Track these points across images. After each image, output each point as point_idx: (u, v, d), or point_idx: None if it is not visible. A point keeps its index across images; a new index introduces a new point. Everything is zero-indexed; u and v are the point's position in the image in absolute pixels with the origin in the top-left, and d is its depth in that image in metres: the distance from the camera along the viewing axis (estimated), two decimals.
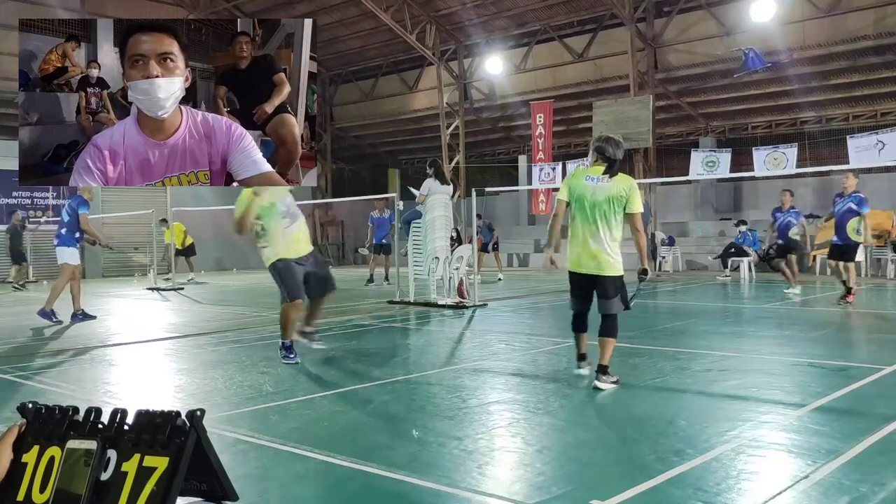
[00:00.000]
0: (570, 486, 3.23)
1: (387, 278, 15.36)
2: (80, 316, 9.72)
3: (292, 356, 6.28)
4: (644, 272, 5.18)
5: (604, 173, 5.04)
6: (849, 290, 9.99)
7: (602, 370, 5.09)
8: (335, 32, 22.72)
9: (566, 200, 5.17)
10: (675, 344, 7.15)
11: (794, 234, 11.98)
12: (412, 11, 21.05)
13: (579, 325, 5.40)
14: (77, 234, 9.58)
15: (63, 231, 9.55)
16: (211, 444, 1.69)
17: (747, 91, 19.39)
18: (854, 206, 9.99)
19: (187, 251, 17.64)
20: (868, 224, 10.06)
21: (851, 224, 10.02)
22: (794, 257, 12.39)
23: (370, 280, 15.40)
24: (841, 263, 10.24)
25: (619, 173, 5.08)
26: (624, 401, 4.97)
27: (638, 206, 5.04)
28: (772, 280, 15.37)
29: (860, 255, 16.10)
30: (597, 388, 5.04)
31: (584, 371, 5.39)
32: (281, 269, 6.21)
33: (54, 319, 9.50)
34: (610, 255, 5.05)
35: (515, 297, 12.63)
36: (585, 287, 5.19)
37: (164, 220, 17.09)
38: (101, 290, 15.58)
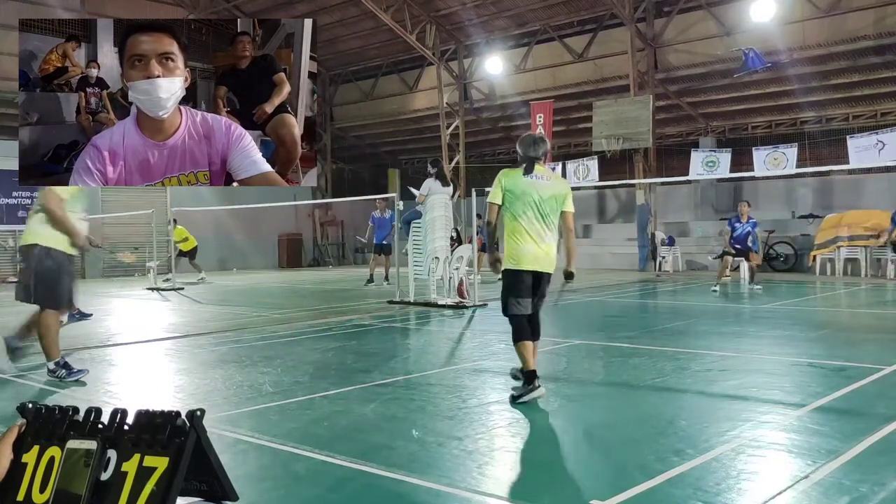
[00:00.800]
0: (570, 486, 3.23)
1: (387, 278, 15.30)
2: (77, 315, 9.72)
3: (76, 369, 5.65)
4: (570, 275, 4.98)
5: (526, 173, 4.93)
6: None
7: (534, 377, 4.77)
8: (335, 32, 22.70)
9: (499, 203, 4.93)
10: (675, 344, 7.15)
11: (750, 242, 12.92)
12: (412, 11, 21.05)
13: (527, 332, 4.89)
14: None
15: None
16: (211, 444, 1.69)
17: (747, 91, 19.38)
18: None
19: (190, 253, 17.65)
20: None
21: None
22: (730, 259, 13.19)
23: (370, 280, 15.32)
24: None
25: (555, 174, 5.11)
26: (624, 401, 4.98)
27: (572, 206, 5.01)
28: (772, 280, 15.37)
29: (860, 255, 16.16)
30: (517, 401, 4.67)
31: (542, 391, 4.74)
32: (62, 265, 5.49)
33: (85, 315, 9.71)
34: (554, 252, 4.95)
35: None
36: (531, 286, 4.88)
37: (175, 221, 17.23)
38: (101, 290, 15.58)
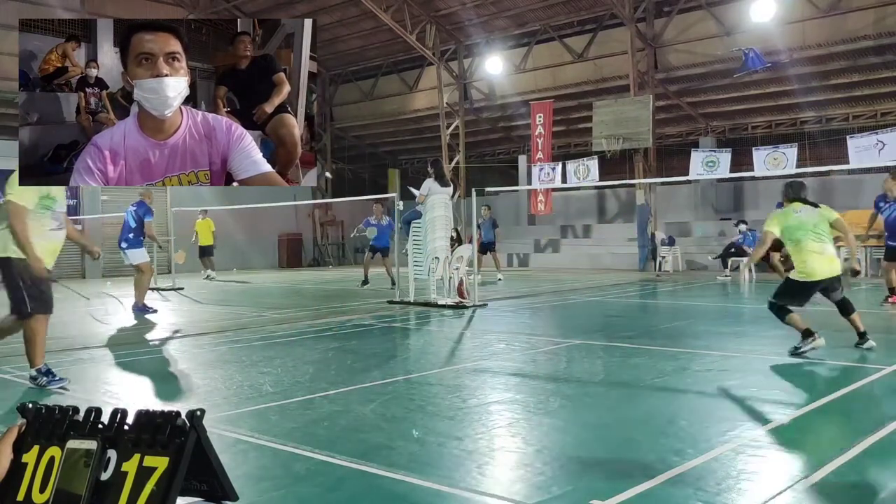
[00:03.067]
0: (570, 486, 3.23)
1: (393, 283, 13.91)
2: (142, 308, 10.61)
3: (58, 377, 5.49)
4: (856, 272, 6.96)
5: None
6: (892, 291, 10.15)
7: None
8: (335, 32, 22.71)
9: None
10: (675, 344, 7.15)
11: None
12: (412, 11, 21.05)
13: (786, 310, 6.36)
14: (142, 237, 10.98)
15: (130, 235, 10.94)
16: (211, 444, 1.69)
17: (747, 91, 19.38)
18: None
19: (207, 250, 17.77)
20: None
21: None
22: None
23: (364, 281, 14.63)
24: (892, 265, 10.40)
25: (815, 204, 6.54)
26: (624, 401, 4.97)
27: (835, 213, 6.44)
28: (772, 280, 15.36)
29: (860, 255, 16.15)
30: (798, 351, 6.18)
31: (822, 341, 6.18)
32: (39, 274, 5.27)
33: (150, 309, 10.60)
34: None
35: (515, 297, 12.63)
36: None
37: (205, 211, 17.48)
38: (101, 289, 15.57)
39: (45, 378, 5.44)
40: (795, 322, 6.20)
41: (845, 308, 6.42)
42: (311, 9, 20.90)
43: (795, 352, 6.15)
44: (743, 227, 16.56)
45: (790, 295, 6.32)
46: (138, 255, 10.87)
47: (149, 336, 8.47)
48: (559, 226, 23.71)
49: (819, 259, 6.18)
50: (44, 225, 5.27)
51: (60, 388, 5.39)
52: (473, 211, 11.51)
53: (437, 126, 23.75)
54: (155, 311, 10.67)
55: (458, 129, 23.39)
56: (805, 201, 6.44)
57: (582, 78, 20.91)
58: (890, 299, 10.31)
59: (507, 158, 26.16)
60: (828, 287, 6.27)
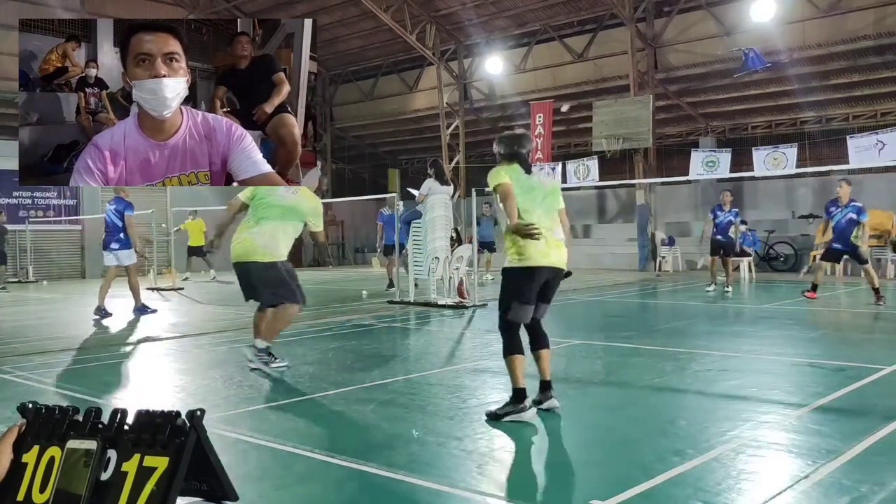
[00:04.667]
0: (570, 486, 3.23)
1: (391, 284, 13.61)
2: (142, 308, 10.50)
3: (278, 359, 6.05)
4: (568, 273, 4.52)
5: (526, 171, 4.41)
6: (876, 291, 10.23)
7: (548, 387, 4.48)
8: (335, 32, 22.70)
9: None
10: (675, 344, 7.15)
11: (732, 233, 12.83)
12: (412, 11, 21.05)
13: (520, 345, 4.35)
14: (125, 235, 10.41)
15: (121, 235, 10.38)
16: (211, 444, 1.69)
17: (747, 91, 19.37)
18: (854, 216, 10.38)
19: (196, 250, 17.68)
20: (867, 230, 10.62)
21: (854, 232, 10.39)
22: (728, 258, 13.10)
23: (390, 284, 13.42)
24: (856, 266, 10.79)
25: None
26: (624, 401, 4.97)
27: (562, 202, 4.57)
28: (772, 280, 15.38)
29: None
30: (498, 418, 4.23)
31: (531, 413, 4.32)
32: (281, 270, 5.85)
33: (151, 309, 10.55)
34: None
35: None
36: (538, 288, 4.38)
37: (195, 212, 17.40)
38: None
39: (268, 357, 5.92)
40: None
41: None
42: (311, 9, 20.89)
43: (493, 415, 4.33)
44: (742, 227, 16.55)
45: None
46: (130, 256, 10.53)
47: (149, 336, 8.46)
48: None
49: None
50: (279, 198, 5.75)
51: (284, 367, 5.93)
52: (473, 211, 11.51)
53: (437, 126, 23.75)
54: (155, 310, 10.67)
55: (458, 129, 23.39)
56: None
57: (582, 78, 20.90)
58: (809, 294, 10.80)
59: None
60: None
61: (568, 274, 4.51)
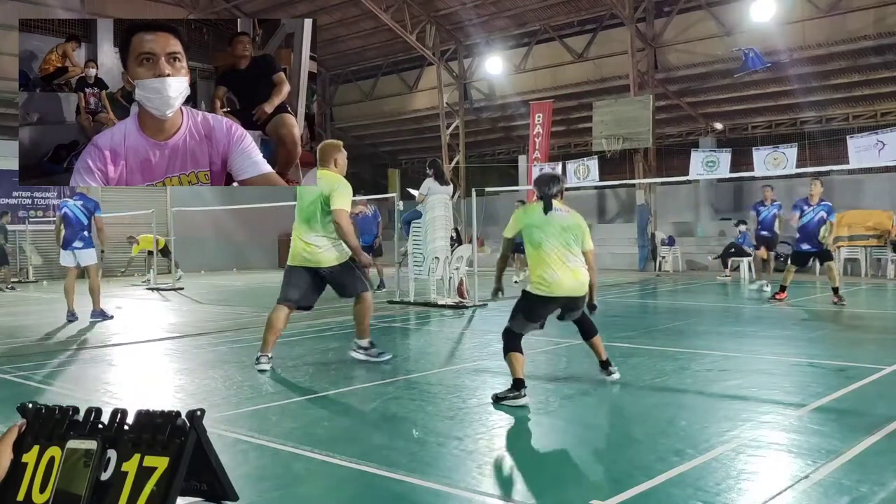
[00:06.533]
0: (570, 486, 3.23)
1: (381, 286, 13.54)
2: (101, 313, 9.90)
3: (383, 350, 6.33)
4: (594, 307, 5.15)
5: (546, 211, 4.98)
6: (836, 290, 10.18)
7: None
8: (335, 32, 22.71)
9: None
10: (675, 344, 7.15)
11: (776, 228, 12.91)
12: (412, 11, 21.05)
13: (518, 345, 4.94)
14: (89, 234, 9.94)
15: (86, 233, 9.89)
16: (211, 444, 1.69)
17: (747, 91, 19.38)
18: (825, 215, 10.38)
19: (164, 251, 17.52)
20: (835, 230, 10.82)
21: (822, 232, 10.31)
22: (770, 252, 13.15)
23: (380, 285, 13.50)
24: (826, 265, 10.62)
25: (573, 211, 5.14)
26: (624, 401, 4.98)
27: (591, 243, 5.08)
28: (772, 280, 15.35)
29: (860, 255, 16.15)
30: (499, 402, 4.67)
31: (525, 400, 4.69)
32: (350, 264, 6.21)
33: (109, 315, 9.91)
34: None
35: (515, 297, 12.59)
36: (547, 314, 5.06)
37: (132, 237, 17.26)
38: (102, 289, 15.54)
39: (374, 350, 6.20)
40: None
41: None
42: (311, 9, 20.90)
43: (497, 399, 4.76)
44: (743, 227, 16.55)
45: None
46: (92, 256, 9.96)
47: (148, 336, 8.46)
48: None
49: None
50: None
51: (387, 360, 6.16)
52: (473, 211, 11.50)
53: (437, 126, 23.75)
54: (112, 316, 9.99)
55: (458, 129, 23.39)
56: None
57: (582, 78, 20.90)
58: (778, 296, 10.76)
59: (507, 158, 26.15)
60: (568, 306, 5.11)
61: (593, 307, 5.13)
